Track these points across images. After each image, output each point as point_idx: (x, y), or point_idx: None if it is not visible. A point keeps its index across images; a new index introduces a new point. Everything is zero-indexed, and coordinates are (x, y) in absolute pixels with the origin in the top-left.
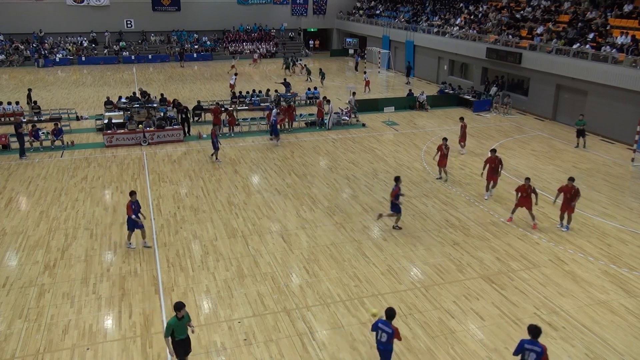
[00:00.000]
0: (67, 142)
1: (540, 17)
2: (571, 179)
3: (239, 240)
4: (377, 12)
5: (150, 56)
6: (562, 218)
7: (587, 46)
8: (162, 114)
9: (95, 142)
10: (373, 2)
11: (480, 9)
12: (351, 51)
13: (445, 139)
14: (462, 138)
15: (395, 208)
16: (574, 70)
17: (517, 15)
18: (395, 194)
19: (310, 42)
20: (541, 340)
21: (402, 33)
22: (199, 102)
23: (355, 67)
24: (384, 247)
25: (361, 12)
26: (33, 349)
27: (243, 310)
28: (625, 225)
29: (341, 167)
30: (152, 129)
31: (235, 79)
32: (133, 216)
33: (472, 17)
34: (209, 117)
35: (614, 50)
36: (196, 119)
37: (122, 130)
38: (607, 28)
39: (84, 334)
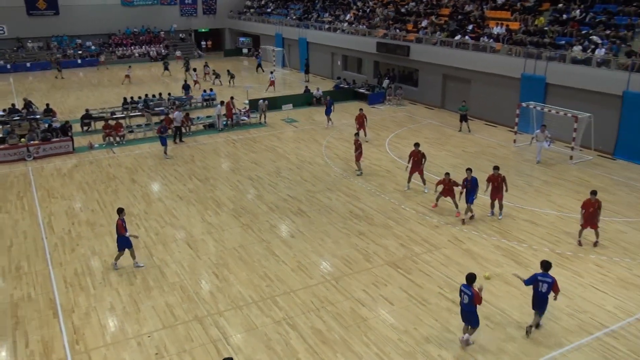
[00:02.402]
0: None
1: (423, 11)
2: (496, 168)
3: (142, 252)
4: (268, 10)
5: (28, 64)
6: (492, 206)
7: (467, 37)
8: (46, 126)
9: None
10: (263, 0)
11: (368, 5)
12: (245, 50)
13: (357, 134)
14: (358, 127)
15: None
16: (458, 60)
17: (403, 10)
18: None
19: (202, 42)
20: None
21: (294, 30)
22: (87, 110)
23: (256, 68)
24: (293, 244)
25: (252, 10)
26: None
27: (152, 323)
28: (512, 202)
29: (244, 168)
30: (36, 142)
31: (196, 74)
32: (127, 234)
33: (360, 12)
34: (98, 125)
35: (491, 40)
36: (85, 128)
37: (2, 146)
38: (484, 20)
39: None
